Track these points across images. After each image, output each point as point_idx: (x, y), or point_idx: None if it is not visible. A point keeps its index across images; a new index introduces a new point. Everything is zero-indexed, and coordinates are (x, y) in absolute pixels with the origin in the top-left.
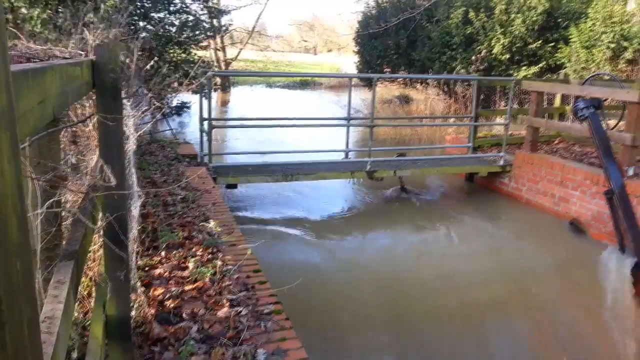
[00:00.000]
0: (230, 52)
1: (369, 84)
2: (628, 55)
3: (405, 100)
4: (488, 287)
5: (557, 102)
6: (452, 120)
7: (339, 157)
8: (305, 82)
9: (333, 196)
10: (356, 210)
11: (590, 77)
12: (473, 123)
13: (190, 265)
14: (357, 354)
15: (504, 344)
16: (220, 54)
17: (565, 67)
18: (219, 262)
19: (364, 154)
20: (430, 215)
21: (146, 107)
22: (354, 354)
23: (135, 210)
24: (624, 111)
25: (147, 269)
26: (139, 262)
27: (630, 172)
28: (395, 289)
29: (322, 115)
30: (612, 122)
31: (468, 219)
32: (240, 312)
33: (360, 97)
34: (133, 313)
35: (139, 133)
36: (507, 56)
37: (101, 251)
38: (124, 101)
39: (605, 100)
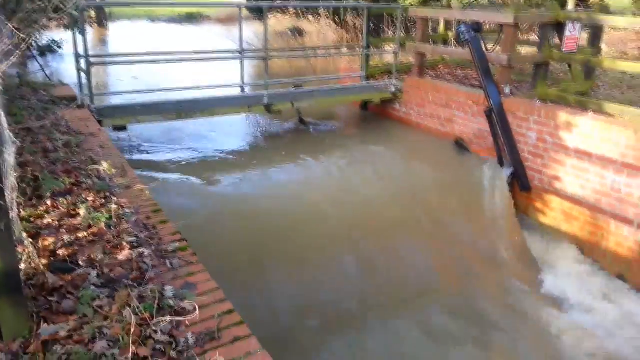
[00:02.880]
0: None
1: (260, 16)
2: None
3: (298, 32)
4: (385, 207)
5: (441, 29)
6: (344, 50)
7: (235, 92)
8: (191, 15)
9: (231, 133)
10: (256, 145)
11: (471, 1)
12: (364, 52)
13: (82, 211)
14: (262, 281)
15: (405, 255)
16: None
17: None
18: (113, 206)
19: (260, 88)
20: (329, 144)
21: (8, 43)
22: (258, 281)
23: (10, 158)
24: (500, 34)
25: (32, 219)
26: (22, 214)
27: (507, 90)
28: (296, 218)
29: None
30: (491, 46)
31: (363, 145)
32: (143, 253)
33: (252, 31)
34: (22, 266)
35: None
36: None
37: None
38: None
39: (484, 23)
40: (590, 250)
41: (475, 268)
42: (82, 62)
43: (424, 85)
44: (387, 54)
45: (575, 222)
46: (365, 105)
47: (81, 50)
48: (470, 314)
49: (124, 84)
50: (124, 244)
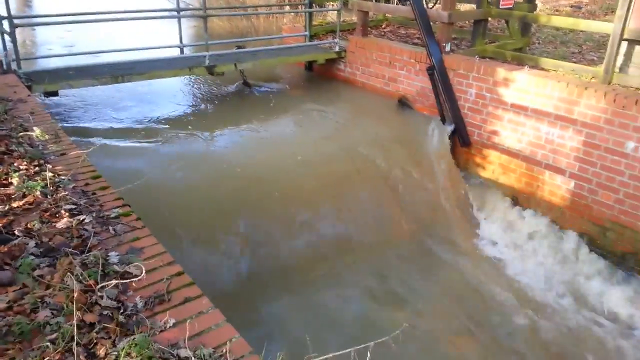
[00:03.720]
0: None
1: None
2: None
3: None
4: (333, 164)
5: None
6: (287, 8)
7: (175, 53)
8: None
9: (173, 96)
10: (199, 110)
11: None
12: (307, 10)
13: (15, 180)
14: (212, 242)
15: (356, 208)
16: None
17: None
18: (49, 174)
19: (201, 49)
20: (274, 106)
21: None
22: (208, 243)
23: None
24: None
25: None
26: None
27: (447, 48)
28: (245, 179)
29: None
30: (432, 4)
31: (309, 106)
32: (83, 220)
33: None
34: None
35: None
36: None
37: None
38: None
39: None
40: (526, 200)
41: (421, 218)
42: (5, 23)
43: (367, 44)
44: (331, 13)
45: (512, 174)
46: (310, 65)
47: (3, 11)
48: (419, 257)
49: (57, 48)
50: (62, 212)
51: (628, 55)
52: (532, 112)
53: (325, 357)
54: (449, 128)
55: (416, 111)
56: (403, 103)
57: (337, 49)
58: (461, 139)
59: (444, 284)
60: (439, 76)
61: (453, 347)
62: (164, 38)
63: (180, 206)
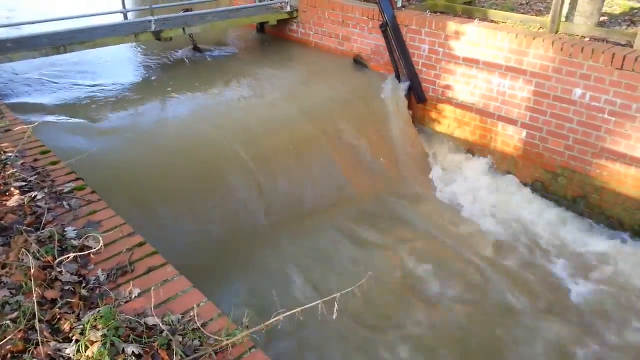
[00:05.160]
0: None
1: None
2: None
3: None
4: (291, 126)
5: None
6: None
7: (118, 19)
8: None
9: (119, 66)
10: (148, 77)
11: None
12: None
13: None
14: (170, 212)
15: (316, 169)
16: None
17: None
18: None
19: (146, 13)
20: (227, 70)
21: None
22: (166, 212)
23: None
24: None
25: None
26: None
27: (399, 3)
28: (201, 146)
29: None
30: None
31: (264, 69)
32: (35, 196)
33: None
34: None
35: None
36: None
37: None
38: None
39: None
40: (481, 151)
41: (380, 174)
42: None
43: (319, 2)
44: None
45: (466, 127)
46: (261, 27)
47: None
48: (380, 210)
49: None
50: (12, 189)
51: (573, 4)
52: (483, 64)
53: (293, 311)
54: (404, 85)
55: (371, 70)
56: (358, 62)
57: (288, 8)
58: (416, 96)
59: (405, 233)
60: (392, 33)
61: (417, 284)
62: (106, 4)
63: (132, 177)
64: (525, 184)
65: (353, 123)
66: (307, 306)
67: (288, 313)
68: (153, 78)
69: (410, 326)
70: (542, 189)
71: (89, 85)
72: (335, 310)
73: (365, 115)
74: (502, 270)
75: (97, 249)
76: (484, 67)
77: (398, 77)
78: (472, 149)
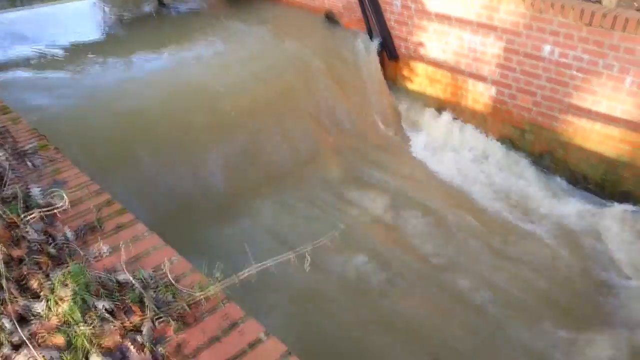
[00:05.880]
0: None
1: None
2: None
3: None
4: (261, 85)
5: None
6: None
7: None
8: None
9: (82, 22)
10: (112, 34)
11: None
12: None
13: None
14: (136, 171)
15: (288, 127)
16: None
17: None
18: None
19: None
20: (195, 26)
21: None
22: (132, 171)
23: None
24: None
25: None
26: None
27: None
28: (167, 106)
29: None
30: None
31: (233, 25)
32: None
33: None
34: None
35: None
36: None
37: None
38: None
39: None
40: (452, 108)
41: (353, 130)
42: None
43: None
44: None
45: (438, 84)
46: None
47: None
48: (352, 166)
49: None
50: None
51: None
52: (455, 21)
53: (264, 263)
54: (377, 42)
55: (343, 26)
56: (330, 18)
57: None
58: (389, 53)
59: (377, 186)
60: None
61: (387, 233)
62: None
63: (97, 136)
64: (494, 140)
65: (324, 81)
66: (279, 257)
67: (260, 265)
68: (117, 34)
69: (385, 254)
70: (511, 145)
71: (49, 43)
72: (307, 263)
73: (336, 73)
74: (465, 215)
75: (63, 206)
76: (456, 24)
77: (370, 34)
78: (443, 107)
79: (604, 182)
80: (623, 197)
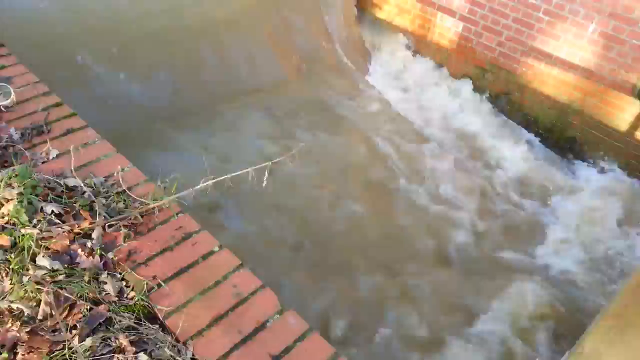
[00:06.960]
0: None
1: None
2: None
3: None
4: (218, 6)
5: None
6: None
7: None
8: None
9: None
10: None
11: None
12: None
13: None
14: (85, 77)
15: (246, 51)
16: None
17: None
18: None
19: None
20: None
21: None
22: (82, 77)
23: None
24: None
25: None
26: None
27: None
28: (117, 20)
29: None
30: None
31: None
32: None
33: None
34: None
35: None
36: None
37: None
38: None
39: None
40: (418, 42)
41: (317, 58)
42: None
43: None
44: None
45: (407, 15)
46: None
47: None
48: (310, 94)
49: None
50: None
51: None
52: None
53: (225, 176)
54: None
55: None
56: None
57: None
58: None
59: (337, 119)
60: None
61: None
62: None
63: (46, 33)
64: (455, 78)
65: (290, 5)
66: (239, 172)
67: (217, 179)
68: None
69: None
70: (471, 84)
71: None
72: (265, 179)
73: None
74: (427, 153)
75: (7, 103)
76: None
77: None
78: (409, 38)
79: (553, 127)
80: (568, 141)
